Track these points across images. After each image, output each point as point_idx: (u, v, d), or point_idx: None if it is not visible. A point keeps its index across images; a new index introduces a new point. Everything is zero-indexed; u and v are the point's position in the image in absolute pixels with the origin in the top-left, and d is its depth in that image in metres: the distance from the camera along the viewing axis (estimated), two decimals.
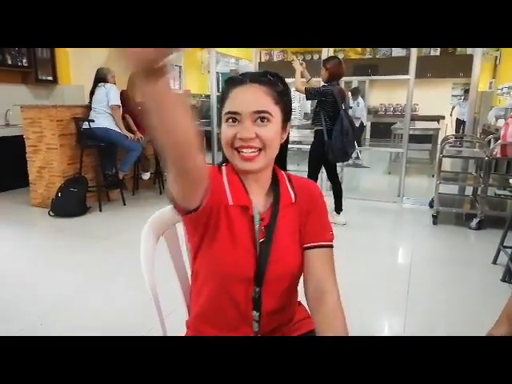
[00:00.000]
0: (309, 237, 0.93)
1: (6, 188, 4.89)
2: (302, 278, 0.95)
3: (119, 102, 4.19)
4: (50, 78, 5.52)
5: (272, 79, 0.87)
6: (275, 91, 0.86)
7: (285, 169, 1.00)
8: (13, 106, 4.59)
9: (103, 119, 4.10)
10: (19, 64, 5.15)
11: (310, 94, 3.37)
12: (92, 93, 4.21)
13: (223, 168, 0.94)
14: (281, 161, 0.98)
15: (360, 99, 7.42)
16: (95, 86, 4.21)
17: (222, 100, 0.88)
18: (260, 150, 0.85)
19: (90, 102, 4.21)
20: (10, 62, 5.02)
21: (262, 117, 0.84)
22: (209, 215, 0.86)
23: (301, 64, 3.56)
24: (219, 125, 0.90)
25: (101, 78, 4.21)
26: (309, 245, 0.92)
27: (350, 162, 7.52)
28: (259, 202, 0.93)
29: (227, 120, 0.85)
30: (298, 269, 0.93)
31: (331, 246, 0.94)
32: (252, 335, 0.93)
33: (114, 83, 4.26)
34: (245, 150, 0.84)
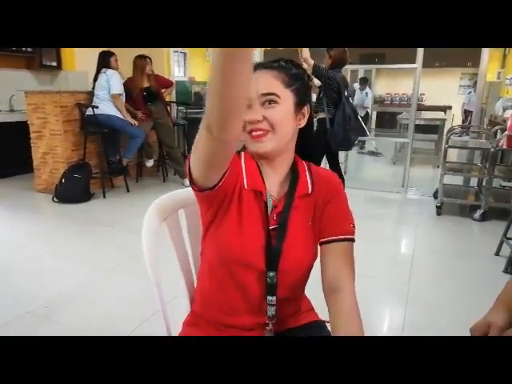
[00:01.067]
0: (326, 230, 0.91)
1: (11, 174, 4.91)
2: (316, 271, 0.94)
3: (120, 91, 4.15)
4: (55, 64, 5.51)
5: (283, 64, 0.89)
6: (286, 74, 0.87)
7: (310, 158, 0.98)
8: (17, 92, 4.59)
9: (106, 106, 4.09)
10: (23, 49, 5.13)
11: (318, 69, 3.24)
12: (95, 78, 4.19)
13: (242, 154, 0.95)
14: (304, 150, 0.97)
15: (368, 89, 7.35)
16: (98, 71, 4.17)
17: None
18: (268, 131, 0.85)
19: (94, 87, 4.19)
20: (14, 47, 5.00)
21: (269, 99, 0.84)
22: (224, 195, 0.87)
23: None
24: None
25: (103, 62, 4.16)
26: (326, 239, 0.90)
27: (365, 151, 7.49)
28: (274, 188, 0.93)
29: None
30: (309, 261, 0.92)
31: (351, 240, 0.90)
32: (263, 321, 0.94)
33: (117, 67, 4.22)
34: (254, 133, 0.85)
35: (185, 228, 1.14)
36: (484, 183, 3.91)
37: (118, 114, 4.15)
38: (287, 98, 0.86)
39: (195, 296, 1.05)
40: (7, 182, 4.74)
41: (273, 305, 0.92)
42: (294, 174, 0.93)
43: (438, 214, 3.74)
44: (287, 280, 0.91)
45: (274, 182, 0.93)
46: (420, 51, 4.22)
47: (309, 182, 0.93)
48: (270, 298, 0.91)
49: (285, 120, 0.86)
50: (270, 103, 0.85)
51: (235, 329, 0.95)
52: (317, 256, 0.94)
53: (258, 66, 0.88)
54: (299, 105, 0.89)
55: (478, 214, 3.59)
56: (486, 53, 4.08)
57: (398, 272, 2.61)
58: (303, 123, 0.91)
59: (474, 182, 4.34)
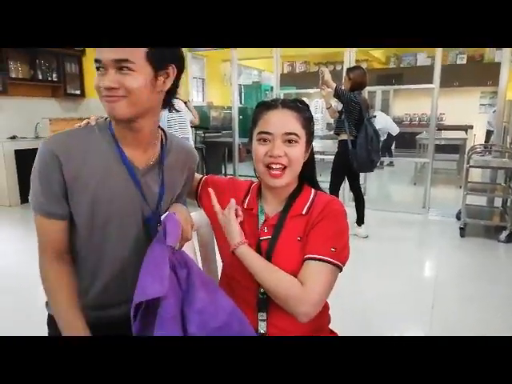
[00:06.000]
0: (307, 248, 0.95)
1: None
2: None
3: None
4: (78, 92, 5.71)
5: (301, 106, 0.99)
6: (303, 117, 0.98)
7: (314, 184, 1.07)
8: (42, 119, 4.75)
9: None
10: (49, 79, 5.35)
11: (340, 91, 3.25)
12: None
13: (255, 184, 1.09)
14: (310, 178, 1.07)
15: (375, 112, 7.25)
16: None
17: (254, 121, 0.99)
18: (285, 167, 0.96)
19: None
20: (40, 77, 5.21)
21: (290, 138, 0.95)
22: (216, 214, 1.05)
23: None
24: (250, 141, 1.02)
25: None
26: (305, 256, 0.94)
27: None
28: (270, 207, 1.05)
29: (259, 139, 0.97)
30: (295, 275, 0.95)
31: (327, 262, 0.92)
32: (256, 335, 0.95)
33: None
34: (273, 166, 0.95)
35: (197, 248, 1.18)
36: (509, 203, 3.79)
37: None
38: (303, 137, 0.97)
39: None
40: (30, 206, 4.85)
41: (264, 320, 0.96)
42: (291, 198, 1.02)
43: (462, 235, 3.63)
44: None
45: (271, 203, 1.04)
46: (437, 71, 4.20)
47: (307, 205, 1.01)
48: (260, 313, 0.97)
49: (300, 157, 0.98)
50: (290, 142, 0.95)
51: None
52: None
53: (277, 103, 0.98)
54: (308, 144, 1.01)
55: (503, 236, 3.46)
56: (505, 71, 4.03)
57: (420, 296, 2.52)
58: (307, 157, 1.02)
59: (498, 202, 4.21)
